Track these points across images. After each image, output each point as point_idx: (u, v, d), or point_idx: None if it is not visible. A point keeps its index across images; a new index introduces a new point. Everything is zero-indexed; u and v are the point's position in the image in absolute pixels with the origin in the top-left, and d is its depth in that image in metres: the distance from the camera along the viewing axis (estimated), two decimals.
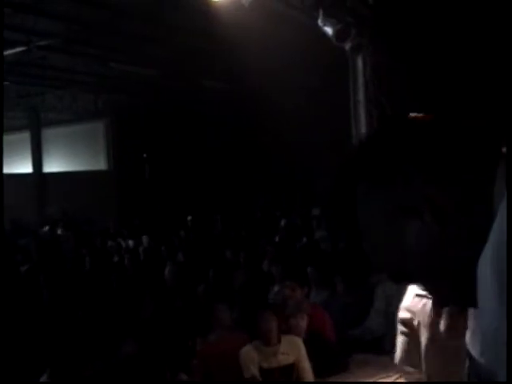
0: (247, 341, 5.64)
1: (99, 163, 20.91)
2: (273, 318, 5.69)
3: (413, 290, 3.53)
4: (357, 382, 5.57)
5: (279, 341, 5.53)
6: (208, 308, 5.87)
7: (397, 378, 5.58)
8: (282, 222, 13.69)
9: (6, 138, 22.81)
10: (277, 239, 11.95)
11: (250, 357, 5.52)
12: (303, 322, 6.17)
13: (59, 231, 15.86)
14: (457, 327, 3.36)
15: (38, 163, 22.07)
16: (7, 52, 11.73)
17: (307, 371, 5.39)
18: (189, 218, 15.40)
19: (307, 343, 5.68)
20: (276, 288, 6.83)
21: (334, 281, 7.59)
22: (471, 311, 2.18)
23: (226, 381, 5.33)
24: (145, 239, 14.26)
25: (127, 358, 5.42)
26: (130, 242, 14.03)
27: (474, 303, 1.15)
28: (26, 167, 22.29)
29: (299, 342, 5.49)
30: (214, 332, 5.63)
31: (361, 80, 7.94)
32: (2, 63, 11.49)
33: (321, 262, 8.25)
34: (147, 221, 15.58)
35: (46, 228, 15.35)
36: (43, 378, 3.86)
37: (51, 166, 22.05)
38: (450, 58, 8.70)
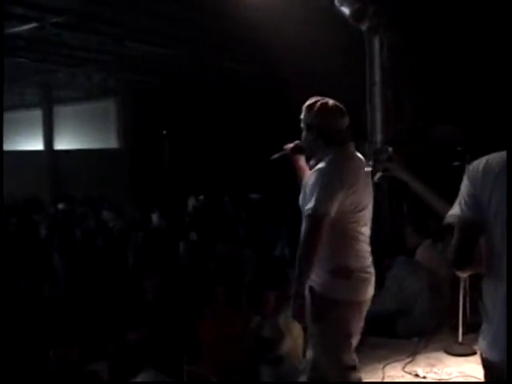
0: (239, 316, 5.89)
1: (110, 141, 20.90)
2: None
3: None
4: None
5: None
6: (207, 287, 6.06)
7: (408, 362, 5.61)
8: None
9: (18, 115, 22.92)
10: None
11: None
12: None
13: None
14: None
15: (48, 141, 22.14)
16: (21, 28, 11.68)
17: None
18: (200, 197, 15.39)
19: None
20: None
21: None
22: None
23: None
24: (154, 217, 14.27)
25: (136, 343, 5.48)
26: (137, 214, 14.05)
27: None
28: (37, 144, 22.33)
29: None
30: (211, 308, 5.91)
31: (377, 62, 7.85)
32: (2, 54, 11.49)
33: None
34: (160, 198, 15.57)
35: (61, 205, 15.39)
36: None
37: (62, 144, 22.09)
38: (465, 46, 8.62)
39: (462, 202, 2.61)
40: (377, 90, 7.87)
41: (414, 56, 7.91)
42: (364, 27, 7.79)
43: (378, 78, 7.86)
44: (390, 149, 3.89)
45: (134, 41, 13.15)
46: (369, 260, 3.75)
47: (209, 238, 10.70)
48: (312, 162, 3.73)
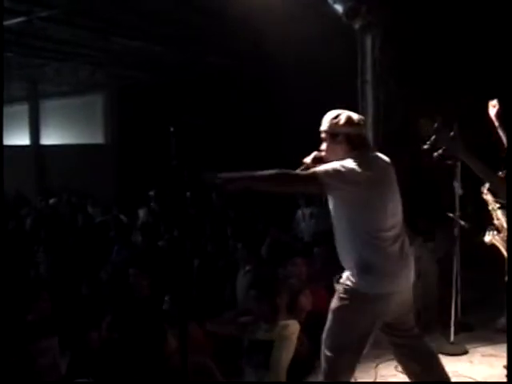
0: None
1: (97, 137, 20.79)
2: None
3: None
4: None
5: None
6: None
7: None
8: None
9: (5, 109, 22.73)
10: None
11: None
12: (307, 300, 6.24)
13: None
14: None
15: (35, 135, 22.00)
16: (8, 22, 11.57)
17: None
18: (187, 193, 15.32)
19: (307, 324, 5.71)
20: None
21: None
22: None
23: None
24: (141, 213, 14.19)
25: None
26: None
27: None
28: (23, 139, 22.17)
29: None
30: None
31: (369, 60, 7.83)
32: (2, 48, 11.38)
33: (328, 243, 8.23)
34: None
35: (52, 201, 15.25)
36: None
37: (48, 139, 21.94)
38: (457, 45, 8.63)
39: None
40: (368, 89, 7.87)
41: (407, 55, 7.90)
42: (357, 25, 7.78)
43: (369, 76, 7.86)
44: (455, 126, 3.92)
45: (122, 36, 13.08)
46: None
47: (195, 235, 10.66)
48: None
